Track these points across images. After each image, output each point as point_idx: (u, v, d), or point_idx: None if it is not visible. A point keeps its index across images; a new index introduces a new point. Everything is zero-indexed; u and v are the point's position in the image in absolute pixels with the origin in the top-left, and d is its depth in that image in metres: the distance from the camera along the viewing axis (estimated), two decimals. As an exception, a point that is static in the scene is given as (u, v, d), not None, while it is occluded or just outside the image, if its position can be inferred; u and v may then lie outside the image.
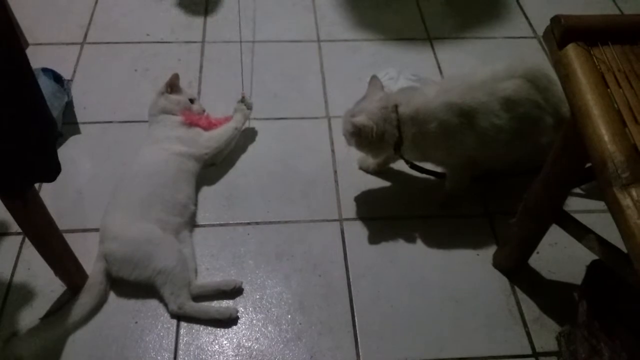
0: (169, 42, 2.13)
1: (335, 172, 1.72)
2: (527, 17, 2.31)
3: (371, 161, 1.71)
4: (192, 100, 1.73)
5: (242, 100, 1.77)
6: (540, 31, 2.21)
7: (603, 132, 0.88)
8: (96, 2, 2.26)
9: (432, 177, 1.65)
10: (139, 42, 2.12)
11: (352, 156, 1.73)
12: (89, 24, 2.18)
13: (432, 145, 1.47)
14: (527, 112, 1.45)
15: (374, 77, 1.56)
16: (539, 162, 1.27)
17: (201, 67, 2.03)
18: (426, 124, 1.42)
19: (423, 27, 2.24)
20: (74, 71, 1.99)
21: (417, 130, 1.43)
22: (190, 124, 1.68)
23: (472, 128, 1.43)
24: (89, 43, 2.10)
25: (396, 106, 1.44)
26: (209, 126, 1.71)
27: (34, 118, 1.03)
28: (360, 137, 1.44)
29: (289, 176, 1.71)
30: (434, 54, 2.12)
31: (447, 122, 1.42)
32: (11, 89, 0.95)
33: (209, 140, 1.67)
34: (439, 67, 2.07)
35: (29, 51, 2.00)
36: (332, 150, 1.78)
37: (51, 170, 1.13)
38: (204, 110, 1.77)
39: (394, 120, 1.43)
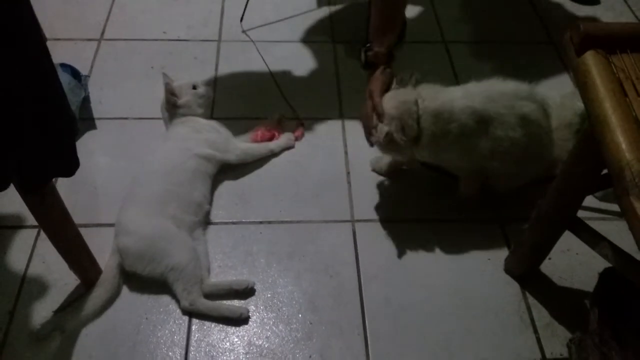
0: (185, 40, 2.14)
1: (348, 173, 1.73)
2: (543, 23, 2.30)
3: (384, 163, 1.71)
4: (194, 86, 1.72)
5: (300, 126, 1.83)
6: (557, 37, 2.21)
7: (621, 140, 0.88)
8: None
9: (444, 180, 1.65)
10: (156, 40, 2.13)
11: (365, 158, 1.73)
12: (107, 20, 2.19)
13: (448, 147, 1.46)
14: (539, 134, 1.48)
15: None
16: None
17: (217, 65, 2.04)
18: (447, 123, 1.43)
19: (438, 30, 2.24)
20: (91, 67, 2.00)
21: (436, 128, 1.43)
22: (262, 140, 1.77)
23: (488, 136, 1.44)
24: (106, 39, 2.12)
25: (416, 100, 1.44)
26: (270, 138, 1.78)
27: (56, 113, 1.04)
28: (388, 143, 1.44)
29: (301, 176, 1.72)
30: (449, 57, 2.12)
31: (467, 126, 1.43)
32: (34, 84, 0.97)
33: (237, 149, 1.69)
34: (454, 71, 2.06)
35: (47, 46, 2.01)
36: (345, 152, 1.78)
37: (70, 165, 1.14)
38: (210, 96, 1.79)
39: (414, 113, 1.43)
